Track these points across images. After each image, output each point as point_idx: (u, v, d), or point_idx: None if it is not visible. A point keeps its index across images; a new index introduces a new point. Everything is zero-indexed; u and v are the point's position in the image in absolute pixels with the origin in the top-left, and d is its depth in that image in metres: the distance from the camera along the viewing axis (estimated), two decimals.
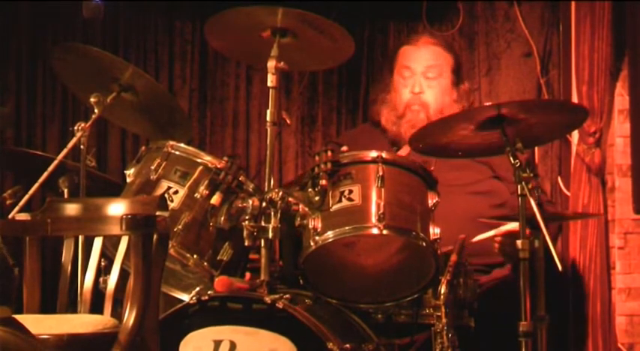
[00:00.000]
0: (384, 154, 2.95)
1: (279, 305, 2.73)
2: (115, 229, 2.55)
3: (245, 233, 2.88)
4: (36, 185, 3.09)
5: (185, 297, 3.09)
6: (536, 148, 4.18)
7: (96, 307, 2.68)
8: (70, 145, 3.17)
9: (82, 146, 3.20)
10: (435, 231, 2.92)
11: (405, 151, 3.59)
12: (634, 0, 3.87)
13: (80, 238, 2.93)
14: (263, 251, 2.90)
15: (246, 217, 2.88)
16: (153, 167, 3.07)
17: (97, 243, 2.72)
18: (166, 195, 2.99)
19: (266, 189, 2.95)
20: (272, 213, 2.87)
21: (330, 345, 2.69)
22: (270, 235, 2.88)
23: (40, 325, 2.40)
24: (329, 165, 2.90)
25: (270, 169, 3.00)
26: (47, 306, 2.75)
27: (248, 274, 3.15)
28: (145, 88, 3.34)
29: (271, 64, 3.02)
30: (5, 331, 2.10)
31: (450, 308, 2.92)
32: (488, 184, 3.59)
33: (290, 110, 4.40)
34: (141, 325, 2.45)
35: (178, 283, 3.13)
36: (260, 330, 2.75)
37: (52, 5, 4.41)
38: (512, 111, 2.94)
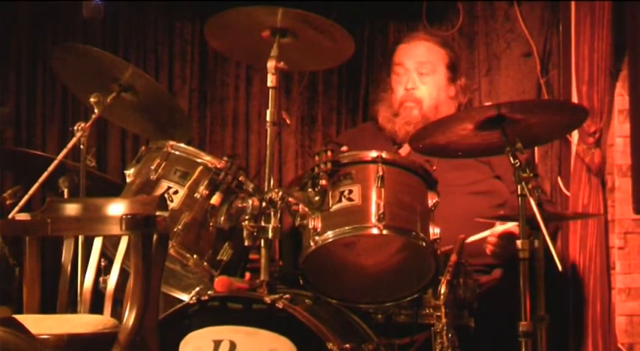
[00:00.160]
0: (384, 154, 2.95)
1: (279, 305, 2.73)
2: (115, 229, 2.55)
3: (245, 233, 2.88)
4: (36, 185, 3.09)
5: (185, 297, 3.09)
6: (536, 148, 4.18)
7: (96, 307, 2.68)
8: (70, 145, 3.18)
9: (82, 146, 3.20)
10: (434, 231, 2.92)
11: (405, 150, 3.59)
12: (634, 0, 3.87)
13: (80, 238, 2.93)
14: (263, 251, 2.90)
15: (246, 217, 2.88)
16: (153, 167, 3.07)
17: (97, 243, 2.72)
18: (166, 195, 2.99)
19: (266, 189, 2.95)
20: (272, 213, 2.87)
21: (330, 345, 2.69)
22: (270, 235, 2.88)
23: (40, 325, 2.40)
24: (329, 165, 2.90)
25: (270, 169, 3.00)
26: (47, 306, 2.75)
27: (248, 274, 3.15)
28: (145, 88, 3.34)
29: (271, 64, 3.02)
30: (5, 331, 2.10)
31: (450, 308, 2.92)
32: (489, 184, 3.59)
33: (290, 110, 4.40)
34: (141, 325, 2.45)
35: (178, 283, 3.14)
36: (260, 330, 2.75)
37: (52, 5, 4.41)
38: (512, 111, 2.93)
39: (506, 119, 2.93)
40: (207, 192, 2.99)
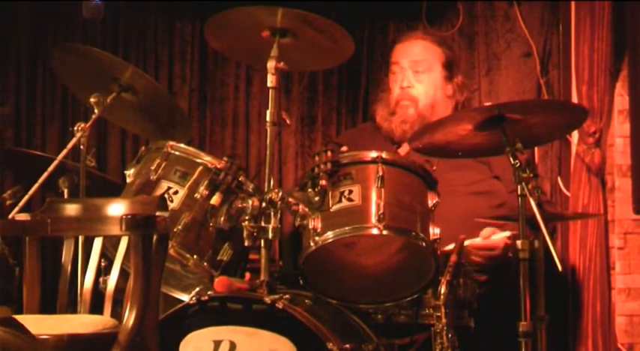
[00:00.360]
0: (383, 155, 2.95)
1: (279, 305, 2.73)
2: (115, 230, 2.55)
3: (245, 233, 2.88)
4: (36, 185, 3.09)
5: (185, 297, 3.09)
6: (536, 148, 4.17)
7: (96, 308, 2.68)
8: (70, 145, 3.18)
9: (81, 146, 3.20)
10: (434, 231, 2.92)
11: (404, 150, 3.59)
12: (634, 0, 3.86)
13: (80, 238, 2.93)
14: (263, 251, 2.90)
15: (246, 218, 2.88)
16: (153, 167, 3.07)
17: (97, 243, 2.72)
18: (166, 195, 2.99)
19: (266, 189, 2.95)
20: (272, 213, 2.87)
21: (329, 345, 2.69)
22: (270, 235, 2.88)
23: (40, 325, 2.40)
24: (329, 165, 2.90)
25: (269, 169, 3.00)
26: (47, 306, 2.75)
27: (248, 275, 3.15)
28: (144, 88, 3.34)
29: (271, 64, 3.02)
30: (5, 331, 2.10)
31: (450, 308, 2.92)
32: (488, 184, 3.59)
33: (290, 110, 4.39)
34: (141, 326, 2.45)
35: (178, 284, 3.13)
36: (260, 330, 2.75)
37: (52, 5, 4.41)
38: (512, 111, 2.93)
39: (506, 119, 2.93)
40: (207, 192, 2.99)
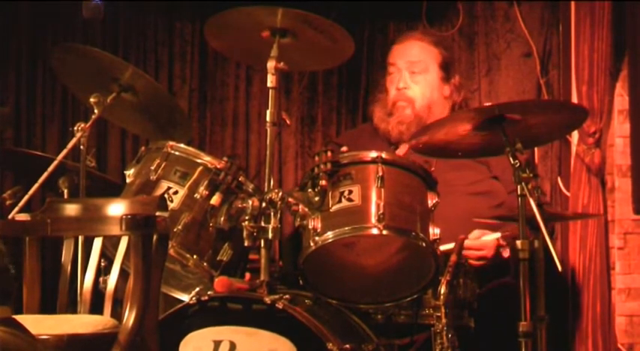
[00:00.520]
0: (383, 155, 2.95)
1: (279, 306, 2.73)
2: (114, 230, 2.55)
3: (245, 233, 2.88)
4: (36, 185, 3.09)
5: (185, 297, 3.09)
6: (536, 149, 4.17)
7: (96, 308, 2.68)
8: (70, 145, 3.18)
9: (81, 146, 3.20)
10: (434, 231, 2.92)
11: (402, 150, 3.59)
12: (634, 0, 3.87)
13: (80, 238, 2.93)
14: (263, 251, 2.90)
15: (246, 218, 2.88)
16: (153, 167, 3.07)
17: (97, 243, 2.73)
18: (166, 195, 2.99)
19: (266, 189, 2.95)
20: (272, 213, 2.87)
21: (329, 345, 2.69)
22: (270, 235, 2.88)
23: (40, 325, 2.40)
24: (329, 165, 2.89)
25: (269, 169, 3.00)
26: (47, 306, 2.75)
27: (248, 275, 3.15)
28: (144, 88, 3.34)
29: (271, 64, 3.02)
30: (5, 331, 2.10)
31: (450, 308, 2.92)
32: (488, 185, 3.59)
33: (290, 110, 4.39)
34: (141, 326, 2.45)
35: (178, 284, 3.13)
36: (260, 330, 2.75)
37: (52, 5, 4.41)
38: (512, 111, 2.93)
39: (506, 119, 2.93)
40: (207, 192, 2.99)
